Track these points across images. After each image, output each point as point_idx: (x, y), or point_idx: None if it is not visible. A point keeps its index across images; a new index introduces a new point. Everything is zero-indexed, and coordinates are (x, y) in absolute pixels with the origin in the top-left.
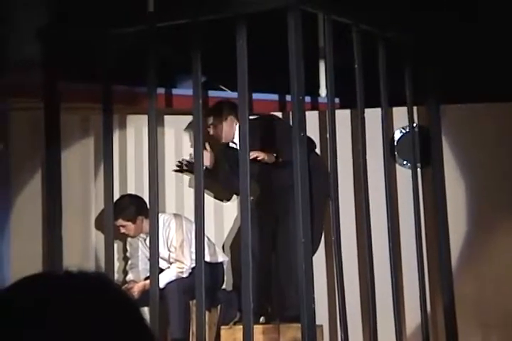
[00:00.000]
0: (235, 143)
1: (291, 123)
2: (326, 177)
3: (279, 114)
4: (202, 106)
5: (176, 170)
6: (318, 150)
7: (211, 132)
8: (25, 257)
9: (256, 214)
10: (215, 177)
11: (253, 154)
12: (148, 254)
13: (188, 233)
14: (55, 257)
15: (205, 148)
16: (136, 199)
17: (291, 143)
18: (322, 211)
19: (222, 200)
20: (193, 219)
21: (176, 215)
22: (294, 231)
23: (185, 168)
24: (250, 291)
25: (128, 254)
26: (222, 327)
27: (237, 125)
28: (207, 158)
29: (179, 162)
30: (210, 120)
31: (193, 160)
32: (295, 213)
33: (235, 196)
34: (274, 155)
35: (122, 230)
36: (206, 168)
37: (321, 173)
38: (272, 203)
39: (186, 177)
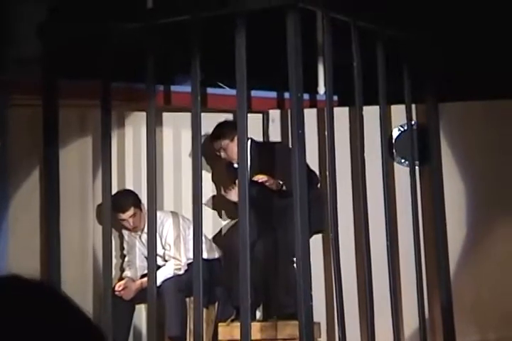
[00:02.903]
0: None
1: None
2: (321, 209)
3: (278, 112)
4: (200, 103)
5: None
6: (316, 148)
7: (222, 155)
8: (23, 254)
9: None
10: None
11: (263, 178)
12: (144, 251)
13: (183, 230)
14: (53, 254)
15: (234, 183)
16: (131, 192)
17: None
18: None
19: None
20: (190, 216)
21: (171, 213)
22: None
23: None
24: (248, 289)
25: (125, 252)
26: (220, 324)
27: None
28: (235, 194)
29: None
30: (220, 144)
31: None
32: (293, 212)
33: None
34: (280, 182)
35: (131, 221)
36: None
37: (317, 207)
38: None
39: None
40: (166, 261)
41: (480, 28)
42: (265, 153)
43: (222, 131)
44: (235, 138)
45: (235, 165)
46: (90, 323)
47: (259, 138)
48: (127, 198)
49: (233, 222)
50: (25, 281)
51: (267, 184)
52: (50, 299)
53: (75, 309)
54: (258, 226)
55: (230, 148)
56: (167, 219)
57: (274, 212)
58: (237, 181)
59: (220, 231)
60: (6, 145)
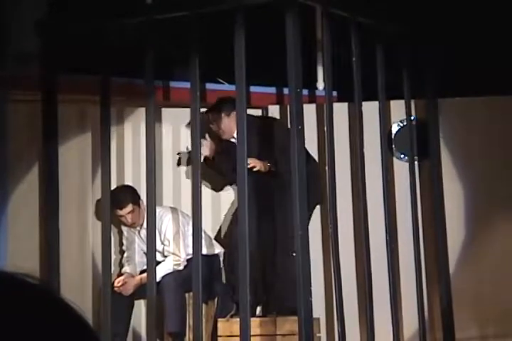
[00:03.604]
0: (235, 138)
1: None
2: (317, 183)
3: (277, 107)
4: (199, 99)
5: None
6: (315, 145)
7: (213, 128)
8: (23, 250)
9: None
10: (212, 167)
11: (250, 163)
12: (143, 247)
13: (182, 226)
14: (52, 249)
15: (205, 138)
16: (130, 187)
17: (289, 153)
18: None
19: (216, 190)
20: (189, 212)
21: (170, 208)
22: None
23: (182, 160)
24: (247, 284)
25: (124, 247)
26: (219, 319)
27: None
28: (207, 148)
29: (178, 154)
30: (215, 116)
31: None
32: (291, 208)
33: (231, 190)
34: (269, 164)
35: (129, 217)
36: (205, 157)
37: (313, 181)
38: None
39: (183, 169)
40: (165, 256)
41: (481, 24)
42: (252, 129)
43: (221, 103)
44: (232, 114)
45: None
46: (82, 325)
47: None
48: (125, 194)
49: (234, 209)
50: (14, 280)
51: (254, 170)
52: (41, 299)
53: (68, 310)
54: (256, 215)
55: (221, 123)
56: (166, 215)
57: (268, 196)
58: (207, 135)
59: (220, 229)
60: (6, 141)
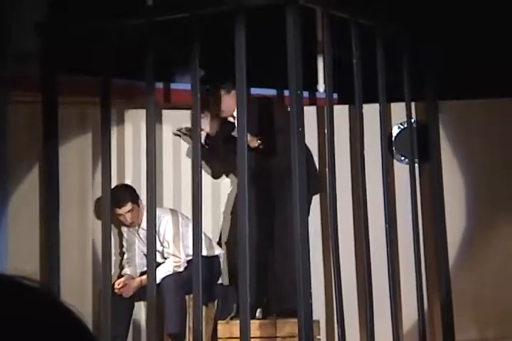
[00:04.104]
0: (233, 117)
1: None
2: (314, 176)
3: None
4: (200, 100)
5: (175, 134)
6: (316, 147)
7: (212, 105)
8: (23, 251)
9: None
10: (210, 152)
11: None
12: (143, 248)
13: (181, 227)
14: (52, 250)
15: (204, 114)
16: (129, 187)
17: (284, 132)
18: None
19: (215, 178)
20: (190, 213)
21: (169, 210)
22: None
23: (184, 132)
24: (247, 286)
25: (124, 249)
26: (219, 321)
27: None
28: (206, 124)
29: (178, 130)
30: (211, 93)
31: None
32: (291, 207)
33: (234, 186)
34: (259, 141)
35: (128, 216)
36: (206, 135)
37: (311, 171)
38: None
39: (184, 146)
40: (164, 258)
41: (481, 26)
42: (255, 108)
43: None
44: (232, 92)
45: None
46: (81, 328)
47: None
48: (125, 193)
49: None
50: (14, 283)
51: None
52: (41, 302)
53: (67, 313)
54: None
55: (224, 100)
56: (164, 216)
57: (257, 172)
58: (206, 112)
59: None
60: (6, 142)
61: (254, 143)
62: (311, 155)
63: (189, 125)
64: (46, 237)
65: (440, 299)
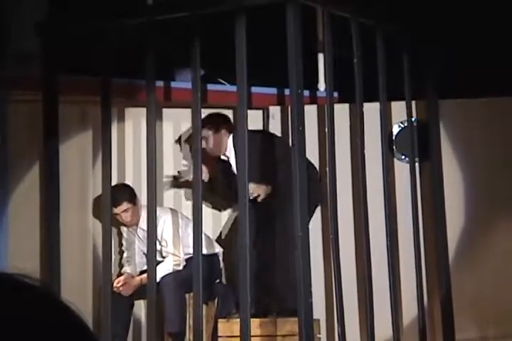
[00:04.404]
0: (226, 156)
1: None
2: (316, 186)
3: (278, 108)
4: (201, 99)
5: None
6: (316, 146)
7: (203, 145)
8: (23, 250)
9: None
10: (211, 190)
11: (251, 192)
12: (142, 247)
13: (180, 226)
14: (53, 249)
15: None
16: (127, 186)
17: (288, 170)
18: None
19: (220, 210)
20: (190, 212)
21: (169, 209)
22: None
23: (182, 179)
24: (248, 284)
25: (123, 248)
26: (220, 320)
27: (230, 138)
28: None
29: (174, 177)
30: (203, 133)
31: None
32: (292, 209)
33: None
34: (270, 187)
35: (124, 215)
36: (202, 181)
37: (312, 184)
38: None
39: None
40: (163, 257)
41: (481, 25)
42: (256, 144)
43: (209, 121)
44: (221, 131)
45: (222, 158)
46: (81, 326)
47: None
48: (121, 193)
49: (234, 214)
50: (14, 281)
51: (258, 200)
52: (41, 300)
53: (67, 311)
54: (256, 223)
55: (212, 140)
56: (161, 216)
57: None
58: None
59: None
60: (6, 141)
61: (268, 190)
62: (314, 167)
63: (189, 124)
64: (46, 236)
65: (440, 297)
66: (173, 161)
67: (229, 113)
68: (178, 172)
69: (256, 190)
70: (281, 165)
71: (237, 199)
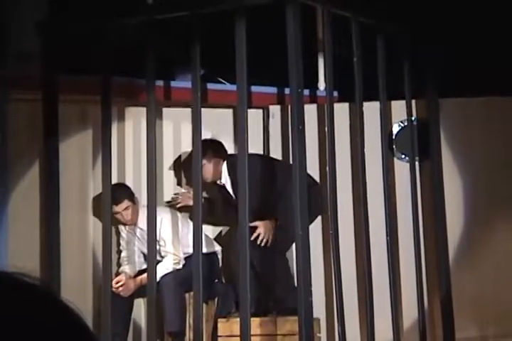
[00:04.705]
0: (222, 183)
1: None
2: (316, 198)
3: (278, 107)
4: (201, 98)
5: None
6: (316, 144)
7: None
8: (23, 249)
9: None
10: (209, 210)
11: (256, 233)
12: (141, 247)
13: (179, 226)
14: (53, 248)
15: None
16: (125, 186)
17: (289, 201)
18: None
19: (216, 226)
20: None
21: (167, 208)
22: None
23: (180, 202)
24: (248, 284)
25: (121, 247)
26: (220, 319)
27: (224, 165)
28: (190, 199)
29: (172, 199)
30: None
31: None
32: (292, 207)
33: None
34: (275, 221)
35: (125, 213)
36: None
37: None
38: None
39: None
40: (162, 256)
41: (481, 25)
42: (257, 171)
43: (204, 149)
44: (213, 160)
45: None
46: (81, 325)
47: (260, 133)
48: (121, 191)
49: None
50: (13, 280)
51: (264, 241)
52: (40, 299)
53: (67, 311)
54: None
55: (207, 168)
56: (159, 215)
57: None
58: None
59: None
60: (6, 140)
61: (272, 229)
62: (316, 182)
63: (189, 124)
64: (46, 235)
65: (440, 296)
66: (173, 160)
67: (229, 112)
68: (172, 198)
69: (262, 230)
70: (284, 195)
71: (236, 222)
